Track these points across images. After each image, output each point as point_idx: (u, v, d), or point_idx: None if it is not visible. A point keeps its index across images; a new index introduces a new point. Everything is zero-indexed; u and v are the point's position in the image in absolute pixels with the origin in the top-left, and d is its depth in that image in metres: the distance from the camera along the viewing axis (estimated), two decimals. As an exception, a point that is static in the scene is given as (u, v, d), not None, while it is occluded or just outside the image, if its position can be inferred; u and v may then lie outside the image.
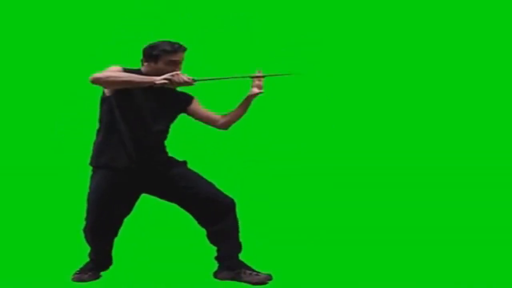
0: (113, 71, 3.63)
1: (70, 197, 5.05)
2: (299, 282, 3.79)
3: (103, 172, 3.79)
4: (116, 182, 3.77)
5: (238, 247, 3.88)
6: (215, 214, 3.81)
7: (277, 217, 4.97)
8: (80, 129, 5.31)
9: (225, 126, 3.96)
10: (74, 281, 3.89)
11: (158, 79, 3.60)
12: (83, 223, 3.93)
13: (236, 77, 3.78)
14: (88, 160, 3.89)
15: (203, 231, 4.04)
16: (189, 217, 3.99)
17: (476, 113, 5.64)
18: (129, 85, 3.60)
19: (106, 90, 3.74)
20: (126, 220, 3.99)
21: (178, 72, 3.63)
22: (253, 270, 3.81)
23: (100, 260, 3.99)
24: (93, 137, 3.84)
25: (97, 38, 5.49)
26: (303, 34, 5.66)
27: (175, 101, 3.88)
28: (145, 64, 3.80)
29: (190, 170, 3.90)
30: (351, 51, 5.69)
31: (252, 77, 3.82)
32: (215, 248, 3.92)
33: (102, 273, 4.01)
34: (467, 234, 4.60)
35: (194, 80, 3.66)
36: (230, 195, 3.88)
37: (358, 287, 3.70)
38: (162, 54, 3.75)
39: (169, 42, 3.79)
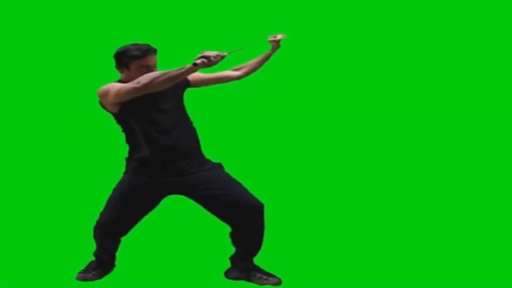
0: (136, 82, 3.46)
1: (76, 197, 5.05)
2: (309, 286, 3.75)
3: (133, 174, 3.70)
4: (143, 185, 3.68)
5: (256, 251, 3.79)
6: (243, 217, 3.69)
7: (288, 219, 4.90)
8: (85, 129, 5.34)
9: (244, 76, 3.94)
10: (78, 280, 3.83)
11: (197, 64, 3.31)
12: (87, 224, 3.88)
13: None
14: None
15: (209, 229, 4.03)
16: (195, 214, 3.96)
17: (476, 114, 5.62)
18: (174, 82, 3.41)
19: (109, 108, 3.61)
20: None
21: (205, 53, 3.31)
22: (264, 273, 3.74)
23: (103, 259, 3.91)
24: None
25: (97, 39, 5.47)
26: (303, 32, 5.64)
27: (179, 88, 3.73)
28: (120, 71, 3.66)
29: (222, 172, 3.77)
30: (351, 50, 5.67)
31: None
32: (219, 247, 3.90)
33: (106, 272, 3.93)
34: (467, 235, 4.55)
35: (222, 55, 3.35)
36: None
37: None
38: (132, 61, 3.59)
39: (137, 45, 3.62)
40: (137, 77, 3.52)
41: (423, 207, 5.10)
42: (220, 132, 5.36)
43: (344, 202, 5.19)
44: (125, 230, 3.84)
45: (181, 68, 3.34)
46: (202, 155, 3.77)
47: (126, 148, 3.74)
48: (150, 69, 3.58)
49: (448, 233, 4.60)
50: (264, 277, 3.72)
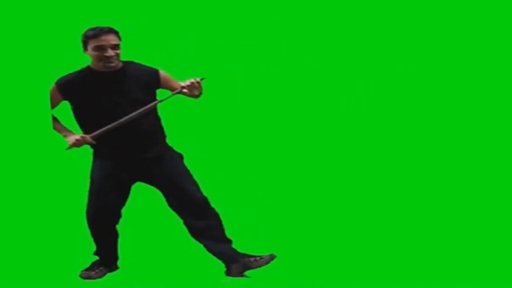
0: None
1: (78, 194, 5.02)
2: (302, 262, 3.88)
3: (97, 162, 3.87)
4: (107, 171, 3.82)
5: (227, 240, 3.91)
6: (194, 211, 3.84)
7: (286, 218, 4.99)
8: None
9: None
10: (82, 278, 3.89)
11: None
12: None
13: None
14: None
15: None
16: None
17: (476, 114, 5.56)
18: None
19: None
20: (135, 216, 4.08)
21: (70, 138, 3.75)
22: (256, 256, 3.85)
23: (105, 255, 3.98)
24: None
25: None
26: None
27: (140, 83, 3.79)
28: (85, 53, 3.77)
29: (178, 165, 3.90)
30: (345, 52, 5.62)
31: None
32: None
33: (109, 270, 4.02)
34: (467, 236, 4.59)
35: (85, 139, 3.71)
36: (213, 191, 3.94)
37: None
38: (87, 41, 3.70)
39: (95, 27, 3.69)
40: (95, 55, 3.67)
41: (422, 207, 5.13)
42: (215, 132, 5.41)
43: (341, 203, 5.21)
44: (111, 217, 3.92)
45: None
46: (161, 144, 3.88)
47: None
48: (105, 48, 3.66)
49: (448, 234, 4.64)
50: (258, 258, 3.83)
